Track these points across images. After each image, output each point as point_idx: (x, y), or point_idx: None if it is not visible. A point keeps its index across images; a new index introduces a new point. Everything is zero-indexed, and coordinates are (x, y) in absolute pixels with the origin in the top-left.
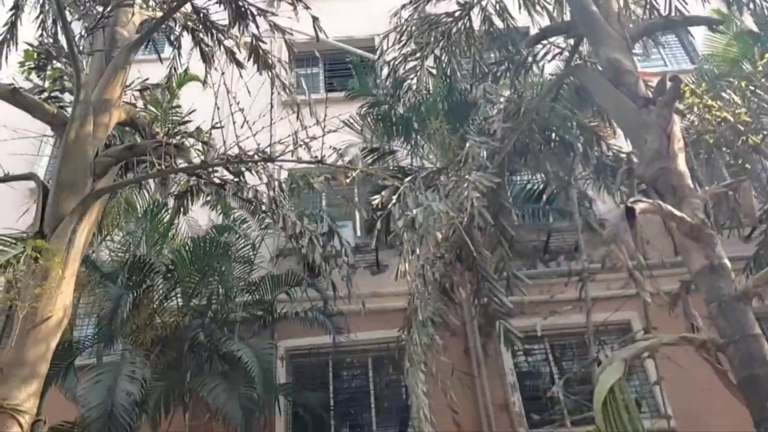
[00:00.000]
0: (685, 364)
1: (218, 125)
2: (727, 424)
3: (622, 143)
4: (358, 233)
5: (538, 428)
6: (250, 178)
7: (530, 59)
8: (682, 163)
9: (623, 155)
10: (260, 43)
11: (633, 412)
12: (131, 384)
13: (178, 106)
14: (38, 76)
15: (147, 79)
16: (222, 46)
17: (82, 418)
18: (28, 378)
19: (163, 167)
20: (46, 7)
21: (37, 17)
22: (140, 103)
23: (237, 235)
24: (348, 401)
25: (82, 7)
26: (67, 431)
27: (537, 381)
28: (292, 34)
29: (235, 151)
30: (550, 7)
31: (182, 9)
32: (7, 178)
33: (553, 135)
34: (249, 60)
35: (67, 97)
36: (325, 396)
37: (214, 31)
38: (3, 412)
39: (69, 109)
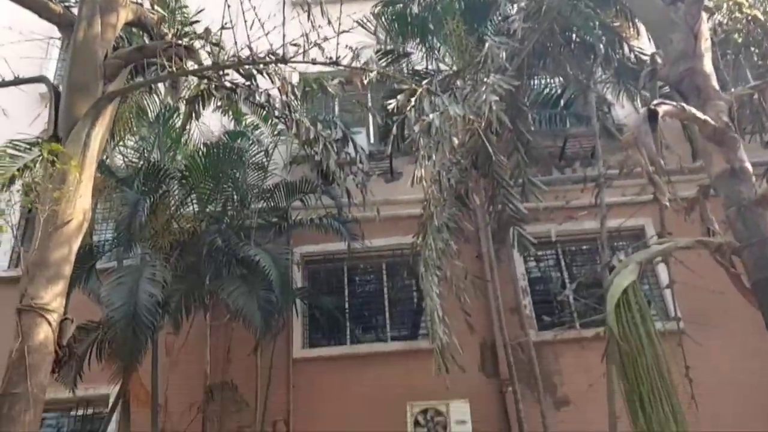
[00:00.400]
0: (697, 268)
1: (228, 26)
2: (738, 326)
3: (645, 45)
4: (372, 140)
5: (548, 330)
6: (262, 82)
7: None
8: (708, 64)
9: (646, 57)
10: None
11: (645, 313)
12: (152, 286)
13: (186, 6)
14: None
15: None
16: None
17: (107, 318)
18: (53, 278)
19: (174, 69)
20: None
21: None
22: (147, 4)
23: (250, 142)
24: (362, 305)
25: None
26: (94, 330)
27: (548, 285)
28: None
29: (246, 53)
30: None
31: None
32: (17, 81)
33: (574, 36)
34: None
35: None
36: (340, 300)
37: None
38: (31, 310)
39: (75, 10)
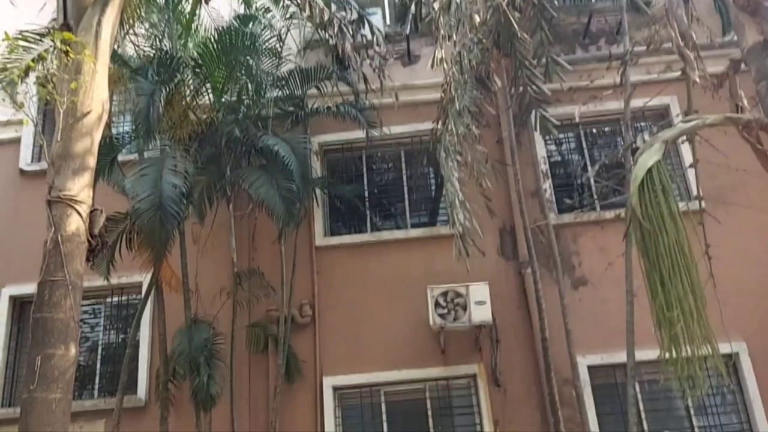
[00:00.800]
0: (721, 147)
1: None
2: (761, 203)
3: None
4: (388, 21)
5: (568, 213)
6: None
7: None
8: None
9: None
10: None
11: (669, 192)
12: (175, 177)
13: None
14: None
15: None
16: None
17: (134, 208)
18: (79, 170)
19: None
20: None
21: None
22: None
23: (262, 26)
24: (381, 193)
25: None
26: (122, 221)
27: (568, 168)
28: None
29: None
30: None
31: None
32: None
33: None
34: None
35: None
36: (360, 188)
37: None
38: (61, 201)
39: None
